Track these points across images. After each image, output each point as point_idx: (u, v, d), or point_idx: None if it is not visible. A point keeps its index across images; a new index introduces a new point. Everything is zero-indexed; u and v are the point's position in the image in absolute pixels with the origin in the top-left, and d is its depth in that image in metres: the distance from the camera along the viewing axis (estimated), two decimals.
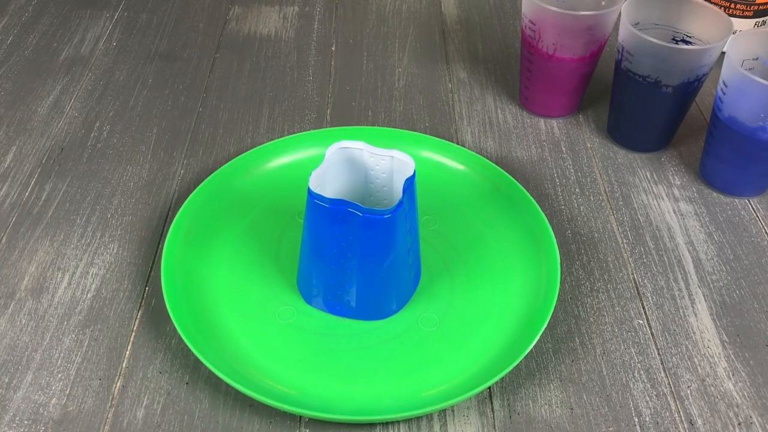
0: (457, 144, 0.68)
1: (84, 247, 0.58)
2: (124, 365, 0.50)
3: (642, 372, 0.51)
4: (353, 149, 0.52)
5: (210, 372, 0.50)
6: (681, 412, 0.49)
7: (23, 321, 0.53)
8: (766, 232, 0.61)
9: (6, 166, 0.65)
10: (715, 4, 0.76)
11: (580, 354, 0.52)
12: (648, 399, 0.49)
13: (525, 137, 0.69)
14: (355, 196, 0.54)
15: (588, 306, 0.55)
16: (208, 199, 0.60)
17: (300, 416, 0.48)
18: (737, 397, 0.50)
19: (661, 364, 0.52)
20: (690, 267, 0.58)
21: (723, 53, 0.60)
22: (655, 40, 0.60)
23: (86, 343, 0.52)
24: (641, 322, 0.54)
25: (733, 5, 0.76)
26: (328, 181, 0.51)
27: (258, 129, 0.70)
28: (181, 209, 0.58)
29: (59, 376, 0.50)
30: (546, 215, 0.59)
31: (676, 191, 0.65)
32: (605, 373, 0.51)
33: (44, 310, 0.54)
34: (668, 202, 0.63)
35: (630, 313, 0.55)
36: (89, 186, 0.63)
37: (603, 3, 0.67)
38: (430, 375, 0.50)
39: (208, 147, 0.68)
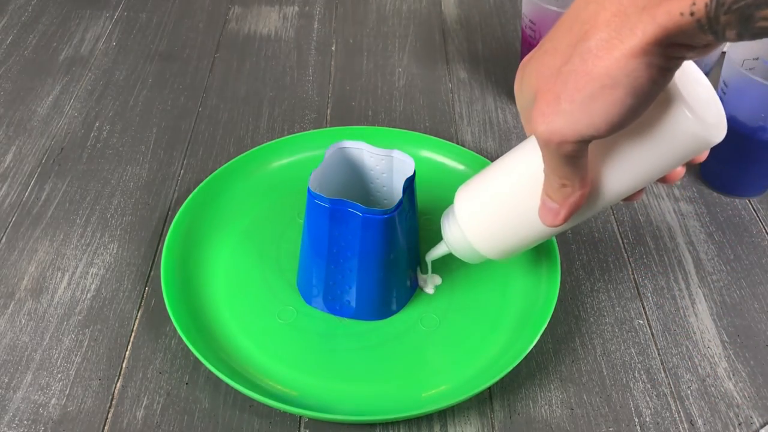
0: (457, 144, 0.68)
1: (84, 247, 0.58)
2: (123, 365, 0.50)
3: (642, 372, 0.51)
4: (353, 149, 0.52)
5: (210, 372, 0.50)
6: (681, 413, 0.49)
7: (23, 321, 0.53)
8: (766, 232, 0.61)
9: (6, 166, 0.65)
10: None
11: (581, 354, 0.52)
12: (648, 399, 0.49)
13: (525, 137, 0.69)
14: (355, 196, 0.54)
15: (588, 306, 0.55)
16: (208, 199, 0.60)
17: (300, 416, 0.48)
18: (737, 398, 0.50)
19: (662, 364, 0.51)
20: (690, 267, 0.58)
21: (723, 53, 0.60)
22: None
23: (86, 344, 0.52)
24: (641, 322, 0.54)
25: None
26: (328, 181, 0.51)
27: (258, 129, 0.70)
28: (181, 209, 0.58)
29: (59, 376, 0.50)
30: None
31: (676, 191, 0.65)
32: (605, 373, 0.51)
33: (44, 310, 0.54)
34: (668, 202, 0.63)
35: (630, 314, 0.55)
36: (89, 186, 0.63)
37: None
38: (430, 375, 0.50)
39: (208, 147, 0.68)
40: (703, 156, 0.40)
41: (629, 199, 0.42)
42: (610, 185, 0.40)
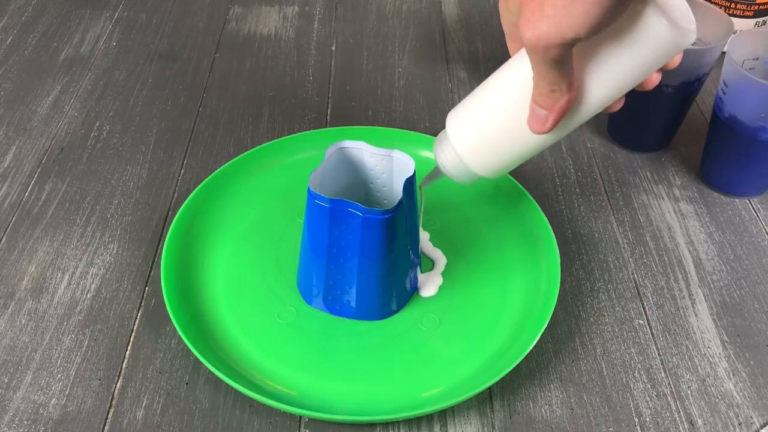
0: None
1: (84, 247, 0.58)
2: (123, 365, 0.50)
3: (642, 372, 0.51)
4: (353, 149, 0.52)
5: (210, 372, 0.50)
6: (681, 413, 0.49)
7: (23, 321, 0.53)
8: (766, 232, 0.61)
9: (6, 166, 0.65)
10: (716, 4, 0.76)
11: (581, 354, 0.52)
12: (648, 399, 0.49)
13: None
14: (355, 196, 0.54)
15: (588, 306, 0.55)
16: (208, 199, 0.60)
17: (300, 416, 0.48)
18: (737, 398, 0.50)
19: (662, 364, 0.51)
20: (690, 267, 0.58)
21: (723, 53, 0.60)
22: None
23: (86, 344, 0.52)
24: (641, 322, 0.54)
25: (733, 5, 0.76)
26: (328, 181, 0.51)
27: (258, 129, 0.70)
28: (181, 209, 0.58)
29: (59, 376, 0.50)
30: (546, 215, 0.59)
31: (676, 191, 0.65)
32: (605, 373, 0.51)
33: (44, 310, 0.54)
34: (668, 202, 0.63)
35: (630, 313, 0.55)
36: (89, 186, 0.63)
37: None
38: (430, 375, 0.50)
39: (208, 147, 0.68)
40: (676, 62, 0.43)
41: (609, 108, 0.44)
42: (593, 92, 0.42)
